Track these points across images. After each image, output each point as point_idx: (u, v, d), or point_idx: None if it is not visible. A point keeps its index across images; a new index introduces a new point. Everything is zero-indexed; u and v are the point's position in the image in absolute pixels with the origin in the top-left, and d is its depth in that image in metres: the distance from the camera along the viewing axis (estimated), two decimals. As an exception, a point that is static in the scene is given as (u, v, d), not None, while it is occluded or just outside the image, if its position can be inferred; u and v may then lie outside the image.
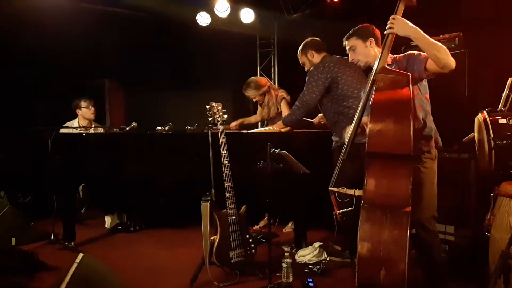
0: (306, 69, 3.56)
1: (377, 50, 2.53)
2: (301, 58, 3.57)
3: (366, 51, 2.55)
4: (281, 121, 3.62)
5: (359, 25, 2.64)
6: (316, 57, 3.47)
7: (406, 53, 2.43)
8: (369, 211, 2.09)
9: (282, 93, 4.16)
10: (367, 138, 2.12)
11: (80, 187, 4.19)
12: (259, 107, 4.40)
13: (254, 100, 4.23)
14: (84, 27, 5.03)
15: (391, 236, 2.02)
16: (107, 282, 2.27)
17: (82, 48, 5.15)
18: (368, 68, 2.54)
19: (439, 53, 2.15)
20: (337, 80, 3.29)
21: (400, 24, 2.23)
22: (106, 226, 4.36)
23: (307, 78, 3.41)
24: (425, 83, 2.41)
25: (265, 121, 4.39)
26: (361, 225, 2.07)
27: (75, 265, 2.06)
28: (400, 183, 2.08)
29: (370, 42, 2.55)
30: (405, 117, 2.08)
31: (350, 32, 2.63)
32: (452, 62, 2.16)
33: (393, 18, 2.25)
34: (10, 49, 4.71)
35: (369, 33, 2.56)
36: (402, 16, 2.28)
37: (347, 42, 2.63)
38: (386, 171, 2.12)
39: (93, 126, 4.54)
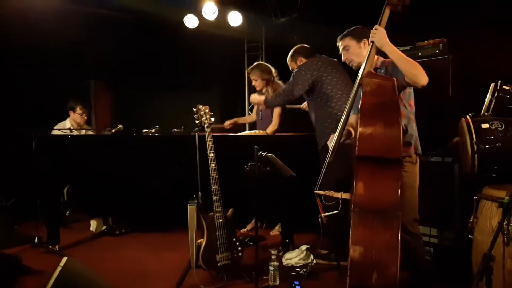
0: None
1: None
2: (291, 64, 3.62)
3: (360, 52, 2.57)
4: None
5: (354, 27, 2.65)
6: None
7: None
8: (360, 215, 2.07)
9: (279, 88, 4.15)
10: (357, 142, 2.11)
11: (65, 190, 4.13)
12: (255, 107, 4.41)
13: (253, 84, 4.21)
14: (70, 28, 4.98)
15: (383, 239, 2.02)
16: (91, 286, 2.24)
17: (68, 49, 5.10)
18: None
19: (410, 68, 2.20)
20: (321, 79, 3.33)
21: (379, 36, 2.26)
22: (91, 229, 4.31)
23: (294, 72, 3.44)
24: (409, 90, 2.43)
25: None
26: (353, 229, 2.06)
27: (59, 268, 2.04)
28: (390, 187, 2.08)
29: (364, 43, 2.56)
30: (395, 121, 2.08)
31: (344, 32, 2.65)
32: (423, 79, 2.18)
33: (376, 29, 2.28)
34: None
35: (364, 34, 2.55)
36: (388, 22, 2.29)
37: (341, 42, 2.65)
38: (376, 175, 2.11)
39: (83, 128, 4.51)
